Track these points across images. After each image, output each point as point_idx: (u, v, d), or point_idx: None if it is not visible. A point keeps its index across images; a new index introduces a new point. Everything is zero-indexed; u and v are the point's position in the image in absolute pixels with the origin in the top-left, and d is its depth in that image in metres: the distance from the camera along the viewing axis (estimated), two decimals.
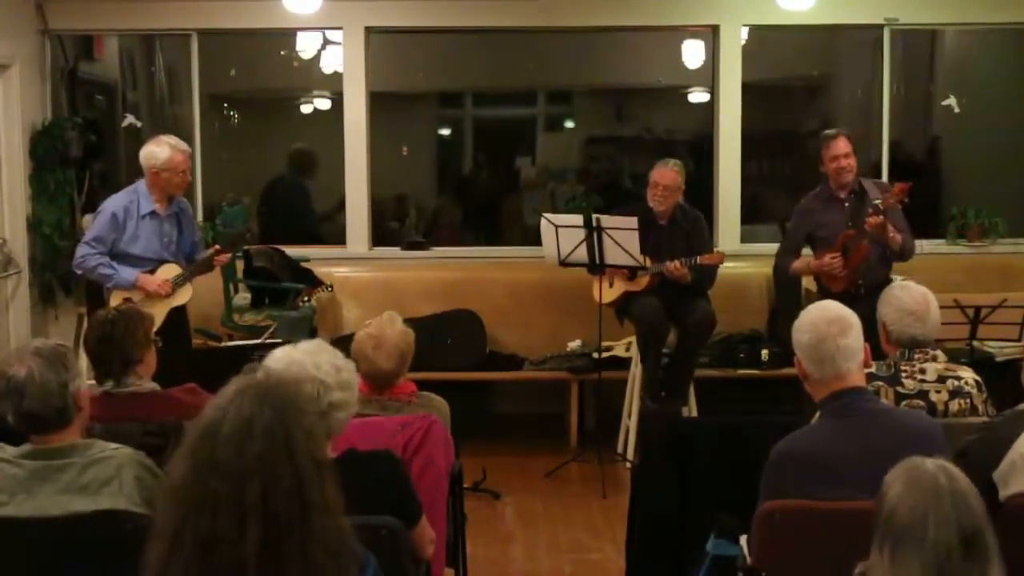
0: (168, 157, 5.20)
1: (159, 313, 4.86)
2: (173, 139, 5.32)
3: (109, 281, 5.20)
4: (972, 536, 1.71)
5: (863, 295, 5.05)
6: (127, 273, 5.18)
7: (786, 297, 6.56)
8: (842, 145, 5.49)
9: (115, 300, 5.19)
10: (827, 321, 2.81)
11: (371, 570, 1.92)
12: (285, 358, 2.59)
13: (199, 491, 1.69)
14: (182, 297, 5.30)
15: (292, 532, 1.69)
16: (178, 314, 5.30)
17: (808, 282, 6.32)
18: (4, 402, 2.59)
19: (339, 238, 7.28)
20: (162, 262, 5.28)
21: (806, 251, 5.73)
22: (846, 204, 5.55)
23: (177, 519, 1.70)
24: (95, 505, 2.53)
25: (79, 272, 5.43)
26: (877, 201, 5.32)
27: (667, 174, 5.90)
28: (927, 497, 1.72)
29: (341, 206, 7.31)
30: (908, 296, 3.45)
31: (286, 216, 7.73)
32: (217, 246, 5.53)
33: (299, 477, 1.71)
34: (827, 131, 5.65)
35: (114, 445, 2.65)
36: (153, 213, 5.24)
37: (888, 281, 5.28)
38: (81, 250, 5.27)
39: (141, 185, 5.28)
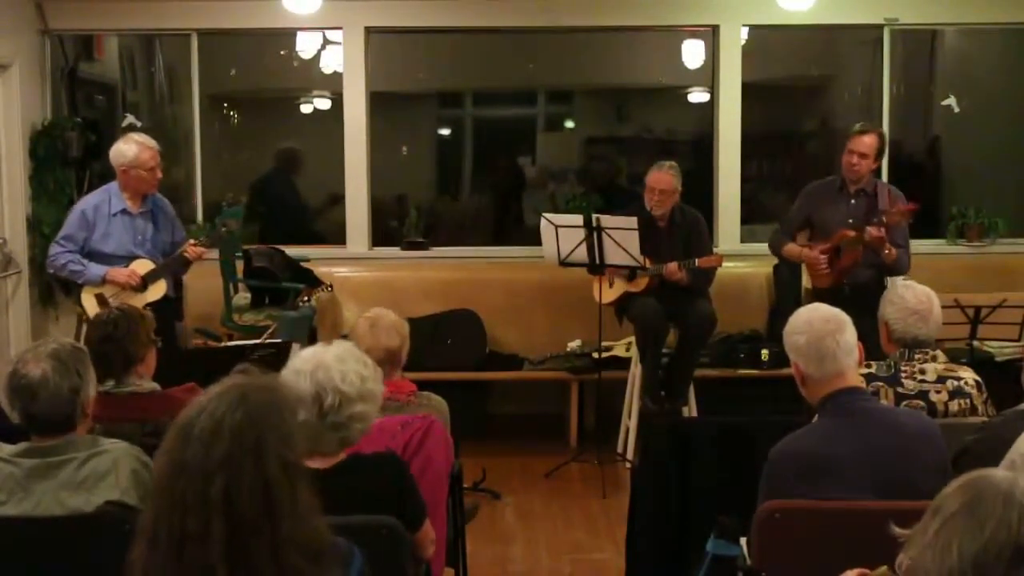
0: (135, 154, 5.20)
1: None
2: (141, 136, 5.34)
3: (80, 277, 5.28)
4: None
5: (848, 295, 5.03)
6: (97, 269, 5.26)
7: (786, 297, 6.56)
8: (863, 144, 5.34)
9: (86, 296, 5.30)
10: (823, 320, 2.81)
11: (356, 566, 1.91)
12: (314, 360, 2.59)
13: (171, 489, 1.71)
14: (155, 292, 5.30)
15: (259, 533, 1.70)
16: (159, 311, 5.27)
17: (808, 280, 6.32)
18: (14, 399, 2.60)
19: (339, 238, 7.28)
20: (134, 259, 5.30)
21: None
22: (852, 201, 5.45)
23: (154, 517, 1.73)
24: (92, 500, 2.54)
25: (51, 271, 5.53)
26: (882, 216, 5.20)
27: (662, 178, 5.88)
28: (998, 498, 1.64)
29: (333, 201, 7.32)
30: (912, 296, 3.45)
31: (279, 214, 7.72)
32: (192, 240, 5.50)
33: (265, 478, 1.71)
34: (861, 124, 5.50)
35: (111, 440, 2.66)
36: (124, 211, 5.27)
37: (875, 284, 5.28)
38: (52, 249, 5.36)
39: (113, 185, 5.33)
